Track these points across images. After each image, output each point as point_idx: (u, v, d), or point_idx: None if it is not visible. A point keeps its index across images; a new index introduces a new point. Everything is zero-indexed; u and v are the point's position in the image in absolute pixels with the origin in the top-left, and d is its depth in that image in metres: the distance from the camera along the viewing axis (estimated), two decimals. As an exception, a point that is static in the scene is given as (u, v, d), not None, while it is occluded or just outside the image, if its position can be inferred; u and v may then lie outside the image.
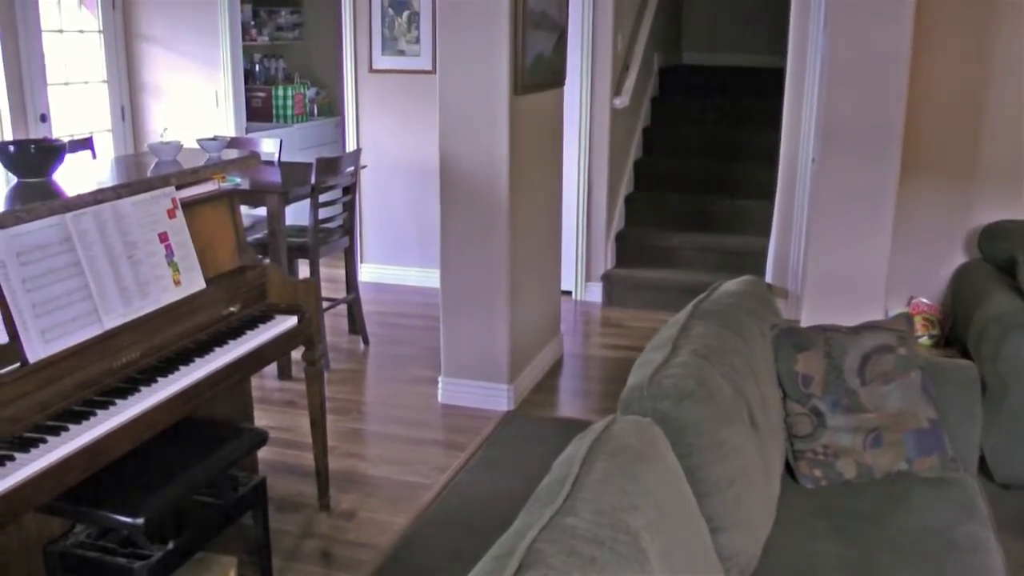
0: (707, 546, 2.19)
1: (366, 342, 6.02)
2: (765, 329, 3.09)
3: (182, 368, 2.97)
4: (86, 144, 5.59)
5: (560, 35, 5.29)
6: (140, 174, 3.27)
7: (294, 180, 5.34)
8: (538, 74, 4.97)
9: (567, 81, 5.60)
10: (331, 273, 6.90)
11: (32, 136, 6.30)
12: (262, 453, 3.98)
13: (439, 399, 5.10)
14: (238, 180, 4.89)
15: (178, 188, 3.26)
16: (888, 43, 4.26)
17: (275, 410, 4.94)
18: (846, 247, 4.46)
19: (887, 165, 4.33)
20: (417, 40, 6.82)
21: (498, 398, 5.01)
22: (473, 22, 4.60)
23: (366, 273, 7.33)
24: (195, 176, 3.39)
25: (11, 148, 3.20)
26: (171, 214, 3.15)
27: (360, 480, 4.25)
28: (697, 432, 2.36)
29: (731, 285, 3.23)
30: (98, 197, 2.91)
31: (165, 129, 5.44)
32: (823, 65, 4.59)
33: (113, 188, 2.98)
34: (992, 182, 5.22)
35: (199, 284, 3.22)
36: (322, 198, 5.33)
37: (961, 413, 3.18)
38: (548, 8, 5.02)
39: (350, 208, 5.68)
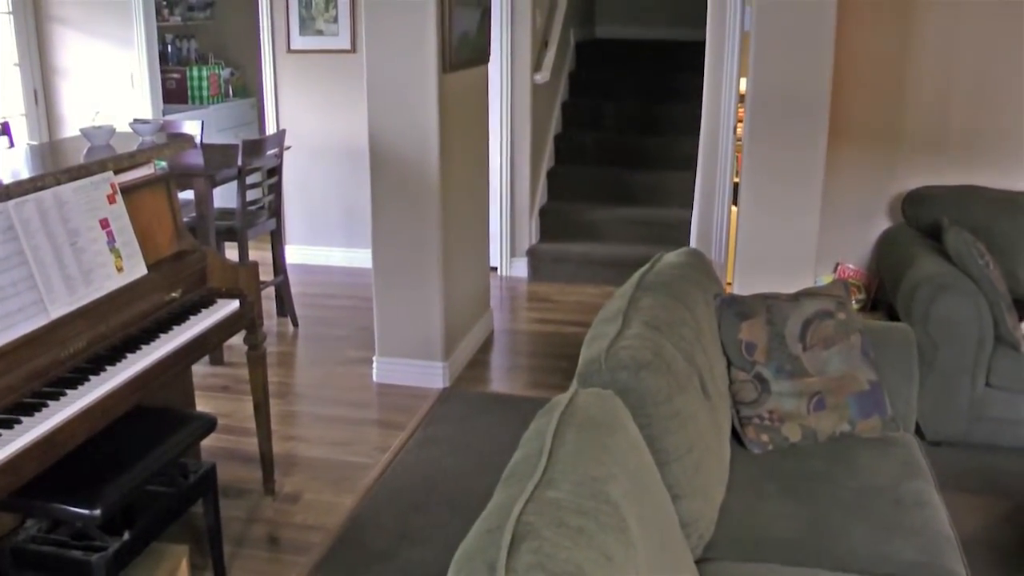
0: (672, 513, 2.24)
1: (295, 324, 5.98)
2: (708, 299, 3.15)
3: (129, 356, 2.93)
4: (3, 130, 5.45)
5: (484, 12, 5.28)
6: (75, 160, 3.20)
7: (218, 162, 5.27)
8: (465, 52, 4.96)
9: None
10: (257, 256, 6.80)
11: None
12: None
13: (374, 378, 5.09)
14: (163, 164, 4.80)
15: (115, 173, 3.20)
16: (814, 14, 4.33)
17: (209, 395, 4.89)
18: (777, 216, 4.54)
19: (815, 134, 4.42)
20: (335, 19, 6.77)
21: (433, 376, 5.02)
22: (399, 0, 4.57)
23: (290, 255, 7.25)
24: (132, 160, 3.34)
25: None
26: (111, 199, 3.10)
27: (302, 463, 4.24)
28: (655, 402, 2.40)
29: (672, 256, 3.27)
30: (38, 184, 2.85)
31: (97, 112, 5.32)
32: (751, 37, 4.64)
33: (53, 174, 2.92)
34: (914, 149, 5.33)
35: (141, 270, 3.17)
36: (247, 180, 5.27)
37: (899, 374, 3.28)
38: (473, -15, 5.03)
39: (276, 189, 5.62)
